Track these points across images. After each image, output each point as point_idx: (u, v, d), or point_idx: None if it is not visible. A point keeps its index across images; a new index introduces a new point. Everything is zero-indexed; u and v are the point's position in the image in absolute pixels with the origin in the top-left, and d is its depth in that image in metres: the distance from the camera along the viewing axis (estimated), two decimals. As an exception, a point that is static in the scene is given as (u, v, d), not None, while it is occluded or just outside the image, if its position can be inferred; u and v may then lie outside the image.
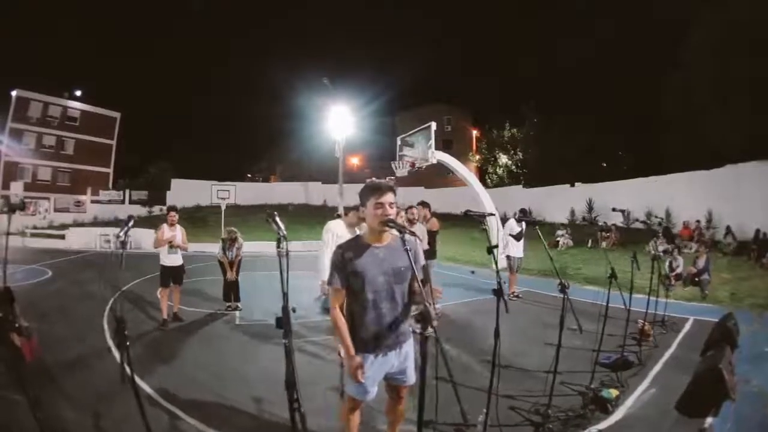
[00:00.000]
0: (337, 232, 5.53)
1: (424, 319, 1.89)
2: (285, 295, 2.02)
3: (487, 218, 13.14)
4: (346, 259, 2.56)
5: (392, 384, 2.84)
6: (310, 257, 5.79)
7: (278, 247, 2.11)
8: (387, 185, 2.58)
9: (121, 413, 2.84)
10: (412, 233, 2.31)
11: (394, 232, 2.46)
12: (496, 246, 2.75)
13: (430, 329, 1.86)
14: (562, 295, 3.43)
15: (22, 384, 3.83)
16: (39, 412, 3.55)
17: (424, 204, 6.93)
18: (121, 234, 3.08)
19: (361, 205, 2.66)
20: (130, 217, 3.29)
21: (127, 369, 2.68)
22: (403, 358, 2.73)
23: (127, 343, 2.69)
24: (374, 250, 2.60)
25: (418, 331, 1.94)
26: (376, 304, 2.55)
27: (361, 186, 2.71)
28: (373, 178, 2.65)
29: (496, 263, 2.78)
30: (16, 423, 3.52)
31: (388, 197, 2.53)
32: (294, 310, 2.01)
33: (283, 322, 1.98)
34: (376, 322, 2.57)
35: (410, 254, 2.19)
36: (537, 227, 3.31)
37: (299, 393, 2.00)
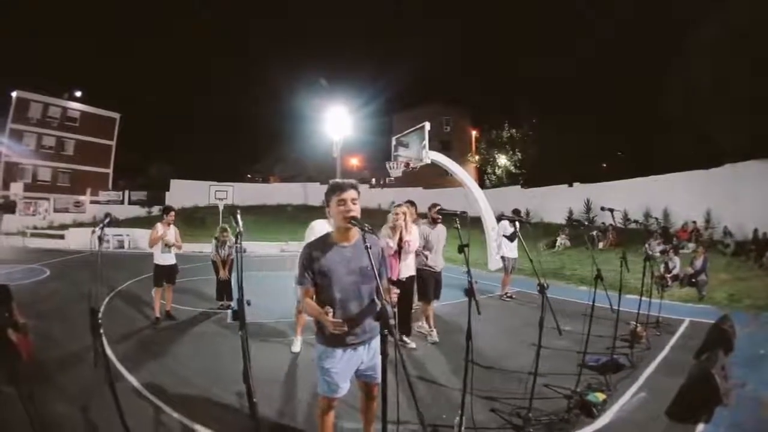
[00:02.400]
0: (321, 231, 5.55)
1: (381, 317, 1.87)
2: (240, 288, 2.05)
3: (482, 219, 13.18)
4: (314, 258, 2.58)
5: (364, 381, 2.86)
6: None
7: (236, 242, 2.12)
8: (348, 183, 2.59)
9: (112, 408, 2.85)
10: (371, 231, 2.28)
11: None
12: (467, 245, 2.72)
13: (386, 329, 1.82)
14: (545, 296, 3.37)
15: (17, 380, 3.84)
16: (32, 407, 3.55)
17: (411, 203, 6.83)
18: (97, 230, 3.12)
19: (326, 205, 2.66)
20: (107, 215, 3.39)
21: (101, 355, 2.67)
22: (372, 354, 2.73)
23: (101, 331, 2.78)
24: (341, 249, 2.61)
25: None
26: (343, 303, 2.57)
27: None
28: (337, 179, 2.62)
29: (467, 262, 2.74)
30: (10, 418, 3.52)
31: (350, 194, 2.54)
32: (249, 303, 2.01)
33: (239, 314, 1.97)
34: (344, 320, 2.52)
35: (370, 252, 2.17)
36: (518, 228, 3.24)
37: (252, 383, 2.12)
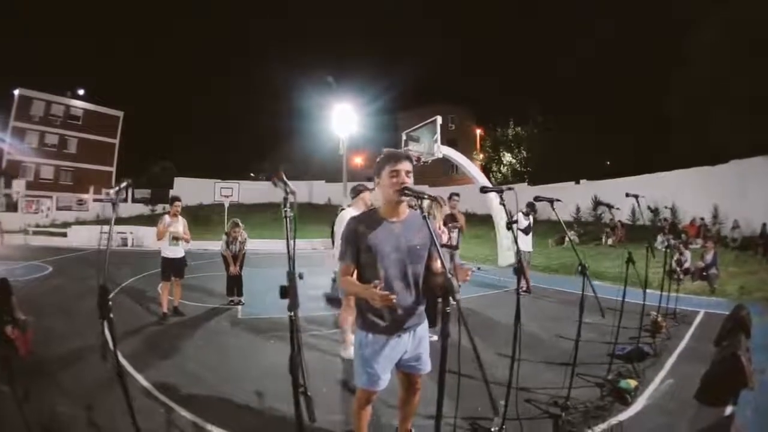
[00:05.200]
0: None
1: (445, 291, 1.70)
2: (291, 260, 1.75)
3: (492, 215, 13.09)
4: (359, 233, 2.39)
5: (406, 372, 2.64)
6: (313, 255, 5.73)
7: (284, 206, 1.86)
8: (403, 153, 2.41)
9: (115, 407, 2.71)
10: (432, 198, 2.14)
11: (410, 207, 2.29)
12: (516, 221, 2.61)
13: (452, 303, 1.69)
14: (585, 276, 3.26)
15: (11, 376, 3.72)
16: (26, 405, 3.43)
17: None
18: (112, 193, 2.69)
19: (375, 176, 2.47)
20: (125, 180, 2.91)
21: (110, 342, 2.47)
22: (417, 342, 2.53)
23: (111, 315, 2.44)
24: (389, 224, 2.42)
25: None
26: (388, 284, 2.33)
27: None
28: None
29: (515, 239, 2.62)
30: (9, 416, 3.40)
31: (405, 165, 2.37)
32: (301, 277, 1.78)
33: (289, 291, 1.71)
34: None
35: (429, 223, 2.01)
36: (552, 204, 3.13)
37: (306, 375, 1.78)
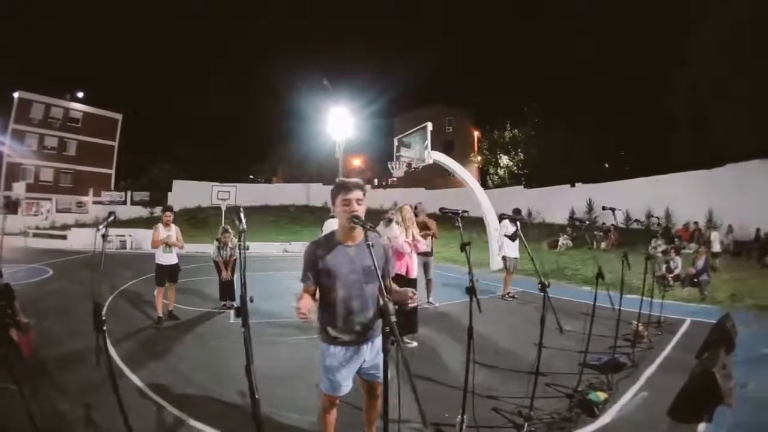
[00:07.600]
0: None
1: (382, 313, 1.89)
2: (243, 285, 2.05)
3: (484, 219, 13.17)
4: (318, 256, 2.58)
5: (367, 380, 2.85)
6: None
7: (239, 240, 2.19)
8: (354, 183, 2.57)
9: (113, 406, 2.86)
10: (372, 228, 2.28)
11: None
12: (468, 243, 2.72)
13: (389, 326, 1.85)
14: (546, 294, 3.36)
15: (16, 377, 3.85)
16: (33, 405, 3.56)
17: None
18: (101, 228, 3.13)
19: (331, 203, 2.66)
20: (110, 213, 3.38)
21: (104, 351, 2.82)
22: (376, 352, 2.71)
23: (104, 328, 2.81)
24: (345, 248, 2.61)
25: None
26: (346, 302, 2.57)
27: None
28: (343, 178, 2.64)
29: (468, 260, 2.75)
30: (12, 416, 3.52)
31: (355, 194, 2.53)
32: (251, 300, 2.04)
33: (242, 311, 2.03)
34: (347, 318, 2.59)
35: (372, 250, 2.17)
36: (519, 227, 3.24)
37: (255, 381, 2.11)
